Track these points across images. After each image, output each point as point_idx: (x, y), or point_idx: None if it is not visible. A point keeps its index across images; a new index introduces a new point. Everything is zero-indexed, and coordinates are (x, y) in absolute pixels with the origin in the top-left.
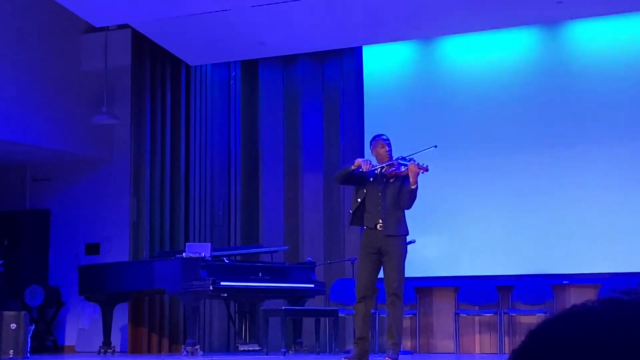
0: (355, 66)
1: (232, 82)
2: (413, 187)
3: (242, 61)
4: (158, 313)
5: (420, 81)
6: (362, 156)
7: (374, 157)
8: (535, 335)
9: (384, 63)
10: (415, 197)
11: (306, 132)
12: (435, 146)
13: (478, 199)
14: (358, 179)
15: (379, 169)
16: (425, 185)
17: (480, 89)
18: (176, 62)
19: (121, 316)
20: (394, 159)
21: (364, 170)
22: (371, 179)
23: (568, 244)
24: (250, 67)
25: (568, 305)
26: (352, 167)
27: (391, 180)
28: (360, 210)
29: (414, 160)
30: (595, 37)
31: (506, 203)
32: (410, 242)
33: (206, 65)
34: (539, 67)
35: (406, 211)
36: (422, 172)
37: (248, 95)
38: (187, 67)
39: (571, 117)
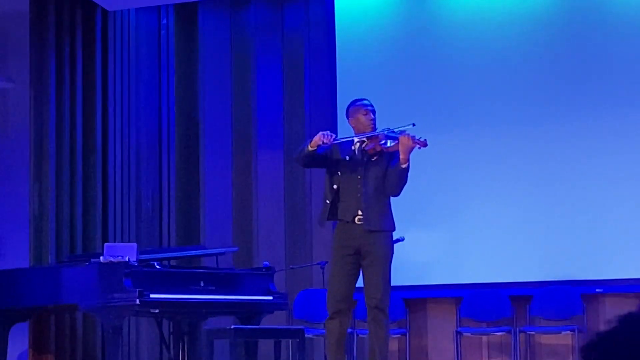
0: (324, 11)
1: (163, 32)
2: (404, 166)
3: (175, 5)
4: (68, 335)
5: (410, 30)
6: (335, 129)
7: (352, 129)
8: (628, 319)
9: (361, 7)
10: (406, 180)
11: (261, 97)
12: (414, 124)
13: (486, 186)
14: (327, 160)
15: (356, 141)
16: (418, 167)
17: (490, 41)
18: (89, 6)
19: (19, 340)
20: (378, 131)
21: (326, 143)
22: (347, 158)
23: (602, 242)
24: (187, 13)
25: (602, 320)
26: (309, 148)
27: (374, 159)
28: (333, 199)
29: (407, 132)
30: None
31: (522, 190)
32: (398, 240)
33: (128, 10)
34: (568, 10)
35: (392, 200)
36: (419, 148)
37: (184, 49)
38: (104, 12)
39: (612, 75)
